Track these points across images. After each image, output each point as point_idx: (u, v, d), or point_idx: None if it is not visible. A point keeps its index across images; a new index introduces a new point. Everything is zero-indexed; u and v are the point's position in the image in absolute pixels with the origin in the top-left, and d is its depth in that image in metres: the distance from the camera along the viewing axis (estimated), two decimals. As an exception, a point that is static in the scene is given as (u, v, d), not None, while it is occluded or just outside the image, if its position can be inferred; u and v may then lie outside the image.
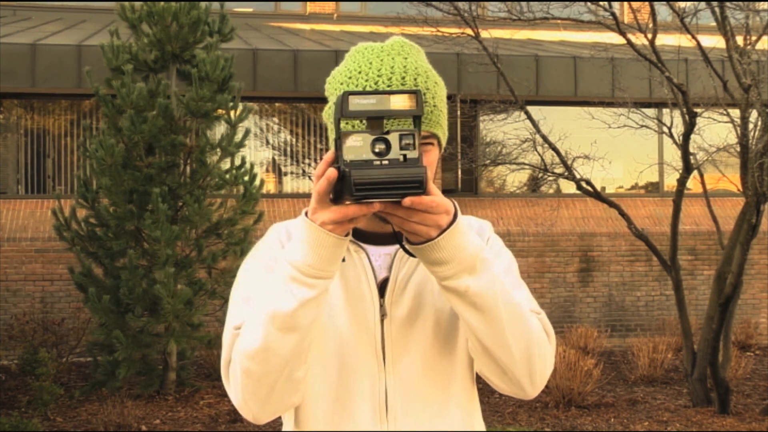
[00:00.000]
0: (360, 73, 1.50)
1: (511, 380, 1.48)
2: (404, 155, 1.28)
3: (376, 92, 1.30)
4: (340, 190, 1.26)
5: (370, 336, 1.52)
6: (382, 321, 1.52)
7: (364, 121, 1.32)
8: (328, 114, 1.55)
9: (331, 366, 1.52)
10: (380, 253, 1.55)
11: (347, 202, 1.27)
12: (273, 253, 1.52)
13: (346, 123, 1.44)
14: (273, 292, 1.36)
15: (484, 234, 1.63)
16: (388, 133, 1.28)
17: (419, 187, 1.26)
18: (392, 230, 1.48)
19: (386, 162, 1.26)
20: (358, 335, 1.52)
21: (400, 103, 1.30)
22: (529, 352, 1.45)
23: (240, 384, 1.42)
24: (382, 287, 1.54)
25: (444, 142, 1.57)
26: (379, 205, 1.27)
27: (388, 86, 1.47)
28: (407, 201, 1.26)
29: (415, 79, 1.49)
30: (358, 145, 1.26)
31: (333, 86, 1.55)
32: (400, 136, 1.28)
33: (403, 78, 1.48)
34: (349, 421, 1.51)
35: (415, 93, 1.30)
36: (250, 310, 1.44)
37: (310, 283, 1.33)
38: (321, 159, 1.29)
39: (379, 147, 1.27)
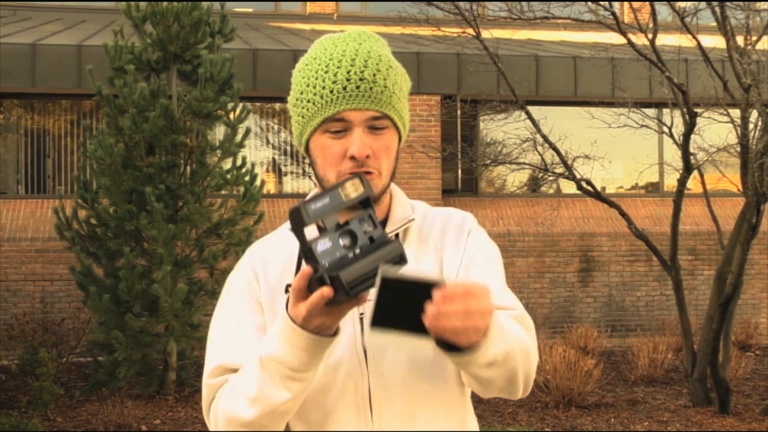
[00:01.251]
0: (315, 59, 1.53)
1: (509, 394, 1.50)
2: (370, 237, 1.31)
3: (325, 192, 1.33)
4: (334, 296, 1.29)
5: (349, 336, 1.51)
6: (361, 320, 1.51)
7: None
8: (291, 99, 1.57)
9: None
10: None
11: (337, 300, 1.29)
12: (248, 284, 1.57)
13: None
14: (267, 387, 1.40)
15: (464, 228, 1.62)
16: (347, 223, 1.31)
17: (401, 259, 1.30)
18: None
19: (358, 251, 1.30)
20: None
21: (350, 190, 1.34)
22: (529, 372, 1.49)
23: None
24: None
25: (402, 125, 1.55)
26: (366, 296, 1.29)
27: (338, 68, 1.48)
28: (438, 297, 1.21)
29: (366, 61, 1.49)
30: (328, 248, 1.30)
31: (295, 76, 1.57)
32: (359, 221, 1.32)
33: (353, 60, 1.49)
34: (332, 421, 1.50)
35: (359, 176, 1.35)
36: (235, 360, 1.49)
37: (304, 377, 1.39)
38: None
39: (345, 241, 1.30)
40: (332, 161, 1.50)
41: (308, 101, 1.51)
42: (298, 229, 1.31)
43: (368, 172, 1.49)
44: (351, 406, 1.50)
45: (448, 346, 1.29)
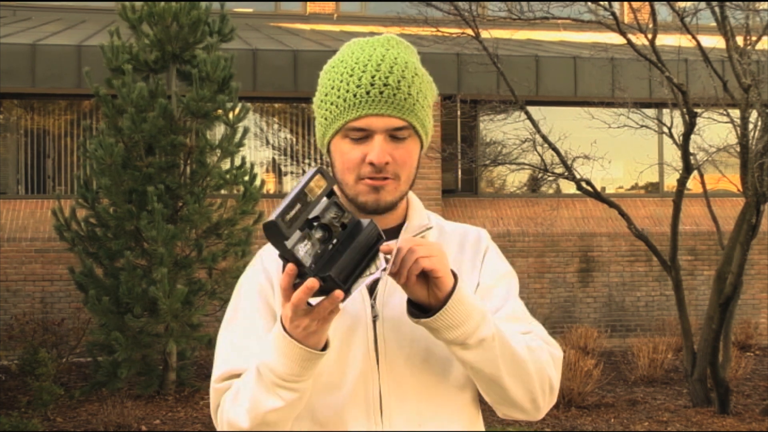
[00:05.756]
0: (342, 62, 1.53)
1: (515, 409, 1.53)
2: (341, 224, 1.32)
3: (292, 197, 1.30)
4: (324, 293, 1.29)
5: (362, 337, 1.51)
6: (374, 322, 1.52)
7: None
8: (316, 100, 1.58)
9: (322, 368, 1.51)
10: None
11: (318, 300, 1.30)
12: (260, 286, 1.58)
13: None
14: (259, 393, 1.42)
15: (481, 244, 1.63)
16: (317, 218, 1.31)
17: (380, 237, 1.32)
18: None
19: (335, 241, 1.31)
20: (350, 337, 1.51)
21: (315, 188, 1.32)
22: (531, 389, 1.50)
23: None
24: (372, 288, 1.53)
25: (424, 134, 1.55)
26: (342, 293, 1.30)
27: (363, 72, 1.48)
28: (384, 247, 1.34)
29: (391, 67, 1.49)
30: (308, 248, 1.29)
31: (322, 77, 1.58)
32: (326, 210, 1.32)
33: (379, 65, 1.49)
34: (342, 421, 1.50)
35: (319, 171, 1.33)
36: (238, 366, 1.52)
37: (295, 387, 1.40)
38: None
39: (320, 235, 1.31)
40: (351, 166, 1.50)
41: (331, 104, 1.51)
42: (277, 242, 1.29)
43: (385, 178, 1.49)
44: (361, 408, 1.50)
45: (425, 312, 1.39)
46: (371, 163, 1.47)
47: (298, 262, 1.28)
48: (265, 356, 1.40)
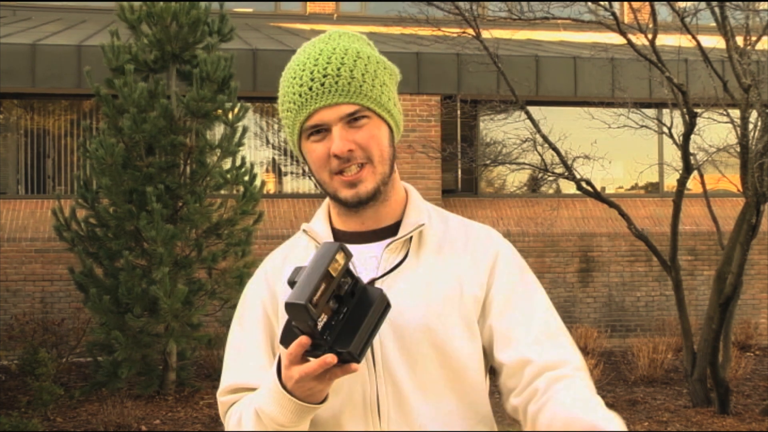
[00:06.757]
0: (288, 69, 1.55)
1: None
2: (351, 291, 1.33)
3: (316, 275, 1.29)
4: (342, 363, 1.32)
5: None
6: None
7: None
8: (279, 113, 1.58)
9: None
10: (365, 256, 1.54)
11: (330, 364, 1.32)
12: (261, 299, 1.60)
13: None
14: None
15: (490, 247, 1.58)
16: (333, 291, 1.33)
17: (389, 306, 1.35)
18: (371, 228, 1.55)
19: (345, 309, 1.33)
20: None
21: (337, 265, 1.31)
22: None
23: None
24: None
25: (386, 113, 1.52)
26: (358, 367, 1.33)
27: (303, 71, 1.48)
28: None
29: (329, 58, 1.48)
30: (324, 320, 1.31)
31: (279, 88, 1.58)
32: (339, 284, 1.33)
33: (317, 60, 1.48)
34: (338, 424, 1.50)
35: (340, 247, 1.32)
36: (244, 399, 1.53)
37: (295, 428, 1.43)
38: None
39: (333, 304, 1.32)
40: (321, 163, 1.50)
41: (287, 110, 1.52)
42: (302, 321, 1.30)
43: (361, 166, 1.49)
44: (358, 410, 1.50)
45: None
46: (336, 156, 1.47)
47: (315, 336, 1.30)
48: (263, 404, 1.42)
